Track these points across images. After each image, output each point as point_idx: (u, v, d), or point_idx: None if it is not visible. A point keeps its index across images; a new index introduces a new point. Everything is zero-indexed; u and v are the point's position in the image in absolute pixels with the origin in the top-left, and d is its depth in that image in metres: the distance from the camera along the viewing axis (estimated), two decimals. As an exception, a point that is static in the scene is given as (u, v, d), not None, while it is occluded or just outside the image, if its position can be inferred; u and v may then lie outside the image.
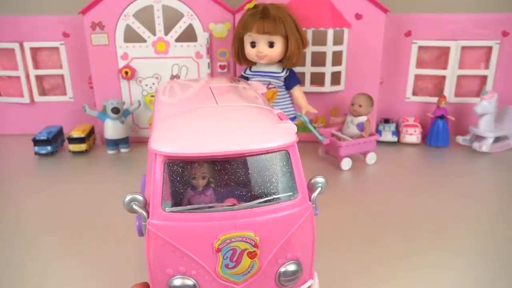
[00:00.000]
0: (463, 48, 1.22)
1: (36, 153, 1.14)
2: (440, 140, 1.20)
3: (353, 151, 1.07)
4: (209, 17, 1.17)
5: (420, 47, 1.25)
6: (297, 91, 1.04)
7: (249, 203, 0.47)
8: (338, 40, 1.15)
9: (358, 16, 1.14)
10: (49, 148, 1.14)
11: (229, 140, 0.46)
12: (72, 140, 1.15)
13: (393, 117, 1.30)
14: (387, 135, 1.24)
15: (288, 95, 1.06)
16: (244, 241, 0.46)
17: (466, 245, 0.73)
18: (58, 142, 1.19)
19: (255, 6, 0.99)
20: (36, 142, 1.13)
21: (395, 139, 1.24)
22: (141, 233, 0.50)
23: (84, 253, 0.71)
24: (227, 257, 0.46)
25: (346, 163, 1.06)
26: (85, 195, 0.92)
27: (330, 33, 1.12)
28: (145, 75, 1.21)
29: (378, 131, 1.24)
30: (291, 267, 0.49)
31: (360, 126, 1.08)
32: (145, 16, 1.17)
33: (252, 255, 0.47)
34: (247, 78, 1.05)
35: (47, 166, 1.10)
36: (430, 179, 1.01)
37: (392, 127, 1.25)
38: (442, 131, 1.19)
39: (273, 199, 0.48)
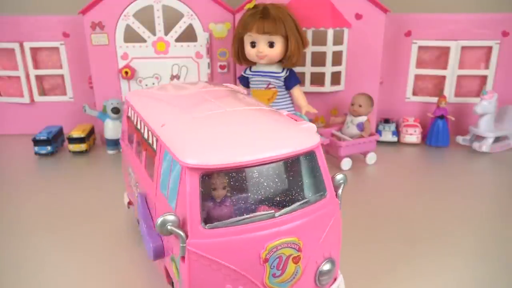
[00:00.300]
0: (463, 48, 1.22)
1: (36, 153, 1.14)
2: (440, 140, 1.20)
3: (353, 151, 1.07)
4: (209, 17, 1.17)
5: (420, 47, 1.25)
6: (297, 91, 1.04)
7: (289, 207, 0.46)
8: (338, 40, 1.15)
9: (358, 16, 1.14)
10: (49, 148, 1.14)
11: (262, 146, 0.44)
12: (72, 140, 1.15)
13: (393, 117, 1.30)
14: (387, 135, 1.24)
15: (288, 95, 1.06)
16: (289, 247, 0.45)
17: (466, 245, 0.73)
18: (58, 142, 1.19)
19: (255, 6, 0.99)
20: (36, 142, 1.13)
21: (395, 139, 1.24)
22: (157, 257, 0.49)
23: (84, 253, 0.71)
24: (274, 266, 0.45)
25: (346, 163, 1.06)
26: (85, 195, 0.92)
27: (330, 33, 1.12)
28: (145, 75, 1.21)
29: (378, 131, 1.24)
30: (327, 266, 0.50)
31: (360, 126, 1.08)
32: (145, 16, 1.17)
33: (296, 260, 0.46)
34: (247, 78, 1.05)
35: (47, 166, 1.10)
36: (430, 179, 1.01)
37: (392, 127, 1.25)
38: (442, 131, 1.19)
39: (308, 200, 0.48)
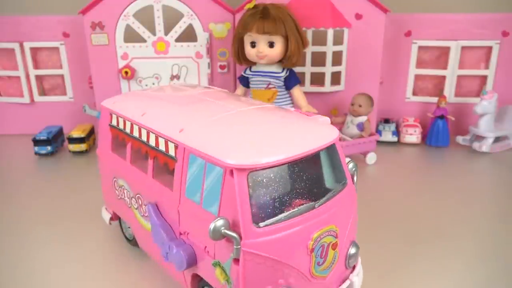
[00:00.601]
0: (463, 48, 1.22)
1: (36, 153, 1.14)
2: (440, 140, 1.20)
3: (353, 151, 1.07)
4: (209, 17, 1.17)
5: (420, 47, 1.25)
6: (297, 91, 1.04)
7: (324, 197, 0.48)
8: (338, 40, 1.15)
9: (358, 16, 1.14)
10: (49, 148, 1.14)
11: (296, 143, 0.47)
12: (72, 140, 1.15)
13: (393, 117, 1.30)
14: (387, 135, 1.24)
15: (288, 95, 1.05)
16: (329, 235, 0.48)
17: (466, 245, 0.73)
18: (58, 142, 1.19)
19: (255, 6, 0.99)
20: (36, 142, 1.13)
21: (395, 139, 1.24)
22: (190, 265, 0.49)
23: (84, 253, 0.71)
24: (318, 255, 0.47)
25: (346, 163, 1.06)
26: (85, 195, 0.92)
27: (330, 33, 1.12)
28: (145, 75, 1.21)
29: (378, 131, 1.24)
30: (353, 249, 0.53)
31: (360, 126, 1.08)
32: (145, 16, 1.17)
33: (334, 246, 0.49)
34: (247, 78, 1.05)
35: (47, 166, 1.10)
36: (430, 179, 1.01)
37: (392, 127, 1.25)
38: (442, 131, 1.19)
39: (337, 189, 0.51)
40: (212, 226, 0.42)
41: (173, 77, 1.21)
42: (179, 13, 1.16)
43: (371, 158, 1.10)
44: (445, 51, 1.23)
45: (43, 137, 1.13)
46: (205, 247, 0.49)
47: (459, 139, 1.21)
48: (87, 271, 0.66)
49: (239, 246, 0.43)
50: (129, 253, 0.70)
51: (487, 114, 1.15)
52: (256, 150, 0.44)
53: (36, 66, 1.30)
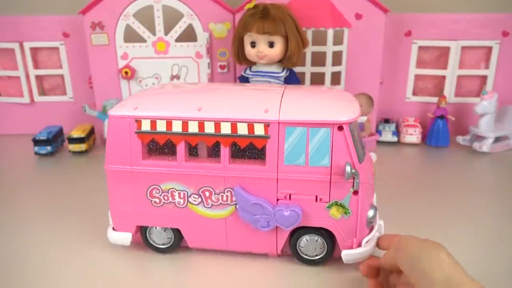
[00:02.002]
0: (463, 48, 1.22)
1: (36, 153, 1.14)
2: (440, 140, 1.20)
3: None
4: (209, 17, 1.17)
5: (420, 47, 1.25)
6: (297, 91, 1.04)
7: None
8: (338, 40, 1.15)
9: (358, 16, 1.14)
10: (49, 148, 1.14)
11: (353, 107, 0.63)
12: (72, 140, 1.15)
13: (393, 117, 1.30)
14: (387, 135, 1.24)
15: (288, 95, 1.05)
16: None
17: (466, 245, 0.73)
18: (58, 142, 1.19)
19: (255, 6, 0.99)
20: (36, 142, 1.13)
21: (395, 139, 1.24)
22: (303, 217, 0.62)
23: (84, 253, 0.71)
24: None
25: (346, 163, 1.06)
26: (85, 195, 0.92)
27: (330, 33, 1.12)
28: (145, 75, 1.21)
29: (378, 131, 1.24)
30: (371, 212, 0.65)
31: (360, 126, 1.08)
32: (145, 16, 1.17)
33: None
34: (247, 78, 1.05)
35: (47, 166, 1.10)
36: (430, 179, 1.01)
37: (392, 127, 1.25)
38: (442, 131, 1.19)
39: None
40: (348, 169, 0.57)
41: (173, 77, 1.21)
42: (179, 13, 1.16)
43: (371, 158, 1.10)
44: (445, 51, 1.23)
45: (43, 137, 1.13)
46: (316, 197, 0.61)
47: (459, 139, 1.21)
48: (87, 271, 0.66)
49: (358, 180, 0.59)
50: (129, 254, 0.70)
51: (487, 114, 1.15)
52: (338, 111, 0.60)
53: (36, 66, 1.30)
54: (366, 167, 0.64)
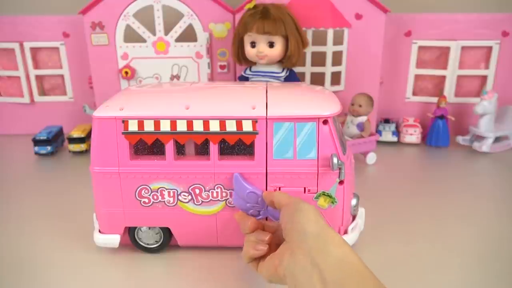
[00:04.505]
0: (463, 48, 1.22)
1: (36, 153, 1.14)
2: (440, 140, 1.20)
3: (353, 151, 1.06)
4: (209, 17, 1.17)
5: (420, 47, 1.25)
6: (297, 91, 1.04)
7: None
8: (338, 40, 1.15)
9: (358, 16, 1.14)
10: (49, 148, 1.14)
11: (334, 102, 0.66)
12: (72, 140, 1.15)
13: (393, 117, 1.30)
14: (387, 135, 1.24)
15: (288, 95, 1.05)
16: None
17: (467, 245, 0.73)
18: (58, 142, 1.19)
19: (255, 6, 0.99)
20: (36, 142, 1.13)
21: (395, 139, 1.24)
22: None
23: (84, 253, 0.71)
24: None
25: (346, 163, 1.06)
26: (85, 195, 0.92)
27: (330, 33, 1.12)
28: (145, 75, 1.21)
29: (378, 131, 1.24)
30: (354, 201, 0.69)
31: (360, 126, 1.08)
32: (145, 16, 1.17)
33: None
34: (247, 78, 1.05)
35: (47, 166, 1.10)
36: (430, 179, 1.01)
37: (392, 127, 1.25)
38: (442, 131, 1.19)
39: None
40: (334, 160, 0.60)
41: (173, 77, 1.21)
42: (179, 13, 1.16)
43: (371, 158, 1.10)
44: (445, 51, 1.23)
45: (43, 137, 1.13)
46: (305, 188, 0.63)
47: (459, 139, 1.21)
48: (87, 271, 0.66)
49: (343, 170, 0.62)
50: (129, 253, 0.70)
51: (487, 114, 1.15)
52: (322, 106, 0.62)
53: (36, 66, 1.30)
54: (349, 157, 0.68)
